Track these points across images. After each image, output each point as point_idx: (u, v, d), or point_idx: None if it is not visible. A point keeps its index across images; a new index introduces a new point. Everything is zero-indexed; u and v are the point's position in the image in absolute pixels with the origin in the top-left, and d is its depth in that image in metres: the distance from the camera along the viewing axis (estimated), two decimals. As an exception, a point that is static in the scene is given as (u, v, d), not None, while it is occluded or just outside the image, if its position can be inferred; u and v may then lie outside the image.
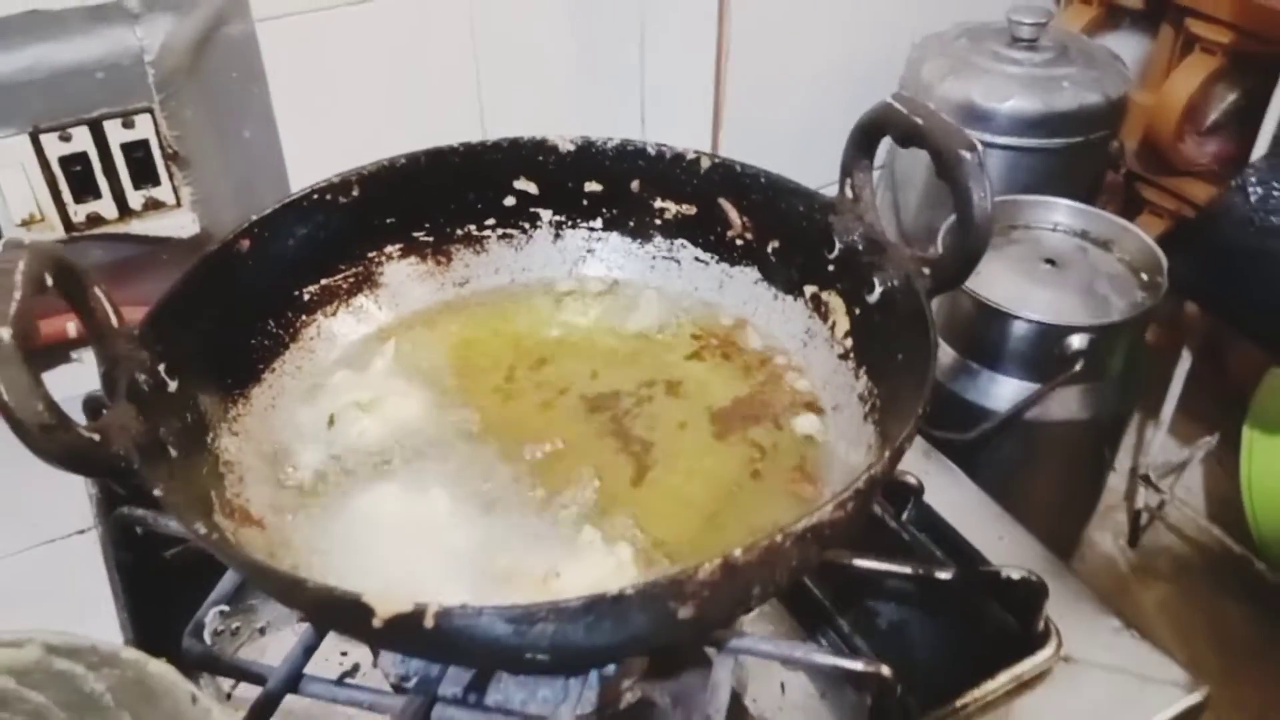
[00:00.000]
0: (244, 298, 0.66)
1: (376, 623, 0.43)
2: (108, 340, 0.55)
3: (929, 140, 0.60)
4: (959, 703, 0.61)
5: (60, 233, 0.93)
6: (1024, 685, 0.64)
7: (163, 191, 0.95)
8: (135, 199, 0.94)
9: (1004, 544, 0.72)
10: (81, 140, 0.90)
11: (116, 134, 0.91)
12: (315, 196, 0.70)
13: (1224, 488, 1.38)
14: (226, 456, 0.61)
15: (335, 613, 0.46)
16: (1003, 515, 0.75)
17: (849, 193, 0.68)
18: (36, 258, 0.50)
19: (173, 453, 0.53)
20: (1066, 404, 1.04)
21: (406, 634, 0.44)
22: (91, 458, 0.48)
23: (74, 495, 0.73)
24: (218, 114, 0.97)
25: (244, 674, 0.58)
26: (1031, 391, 1.01)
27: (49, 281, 0.52)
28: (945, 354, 1.09)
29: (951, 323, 1.08)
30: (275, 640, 0.76)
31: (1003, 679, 0.63)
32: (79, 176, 0.91)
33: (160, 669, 0.49)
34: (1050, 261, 1.09)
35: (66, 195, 0.92)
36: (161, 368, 0.56)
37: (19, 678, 0.51)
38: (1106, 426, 1.09)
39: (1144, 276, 1.06)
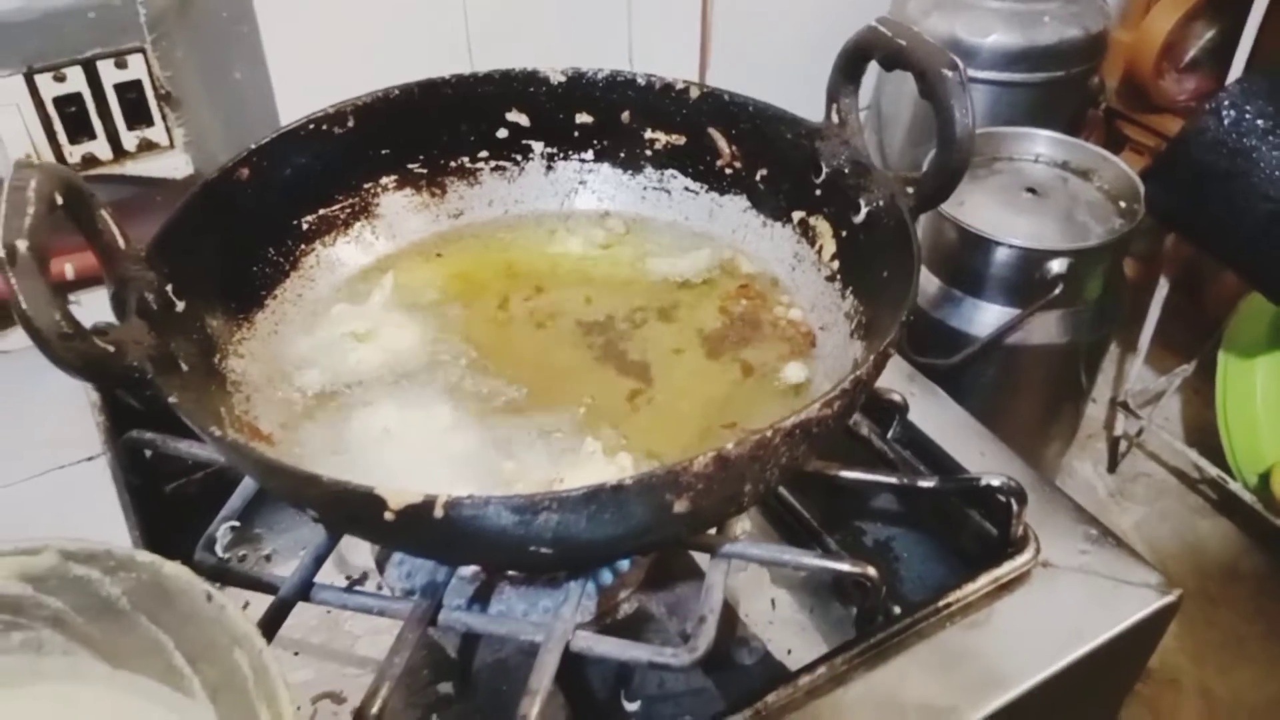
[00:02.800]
0: (245, 225, 0.67)
1: (389, 515, 0.45)
2: (116, 261, 0.57)
3: (912, 61, 0.61)
4: (941, 603, 0.64)
5: (56, 173, 0.93)
6: (1003, 588, 0.66)
7: (156, 132, 0.96)
8: (129, 140, 0.95)
9: (986, 459, 0.75)
10: (75, 81, 0.91)
11: (110, 74, 0.92)
12: (311, 126, 0.71)
13: (1200, 415, 1.42)
14: (234, 376, 0.62)
15: (349, 508, 0.48)
16: (984, 433, 0.78)
17: (835, 117, 0.70)
18: (48, 177, 0.52)
19: (184, 367, 0.55)
20: (1046, 329, 1.07)
21: (417, 526, 0.46)
22: (108, 367, 0.50)
23: (81, 422, 0.75)
24: (209, 54, 0.98)
25: (256, 583, 0.60)
26: (1012, 317, 1.03)
27: (59, 200, 0.53)
28: (930, 282, 1.11)
29: (936, 251, 1.11)
30: (282, 567, 0.79)
31: (982, 581, 0.66)
32: (74, 117, 0.92)
33: (176, 570, 0.51)
34: (1031, 190, 1.11)
35: (62, 136, 0.93)
36: (169, 288, 0.58)
37: (36, 584, 0.54)
38: (1084, 351, 1.12)
39: (1122, 204, 1.09)
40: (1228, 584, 1.30)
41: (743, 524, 0.86)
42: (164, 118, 0.96)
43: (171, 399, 0.50)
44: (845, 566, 0.62)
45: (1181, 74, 1.34)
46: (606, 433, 0.63)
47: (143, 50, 0.92)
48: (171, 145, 0.97)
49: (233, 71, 1.00)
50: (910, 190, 0.64)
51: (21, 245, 0.47)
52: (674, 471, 0.47)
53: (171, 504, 0.71)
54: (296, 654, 0.74)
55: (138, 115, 0.95)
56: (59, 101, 0.91)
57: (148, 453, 0.70)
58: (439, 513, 0.45)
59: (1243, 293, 1.30)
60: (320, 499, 0.49)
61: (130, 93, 0.94)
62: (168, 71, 0.95)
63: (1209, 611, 1.26)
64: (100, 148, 0.94)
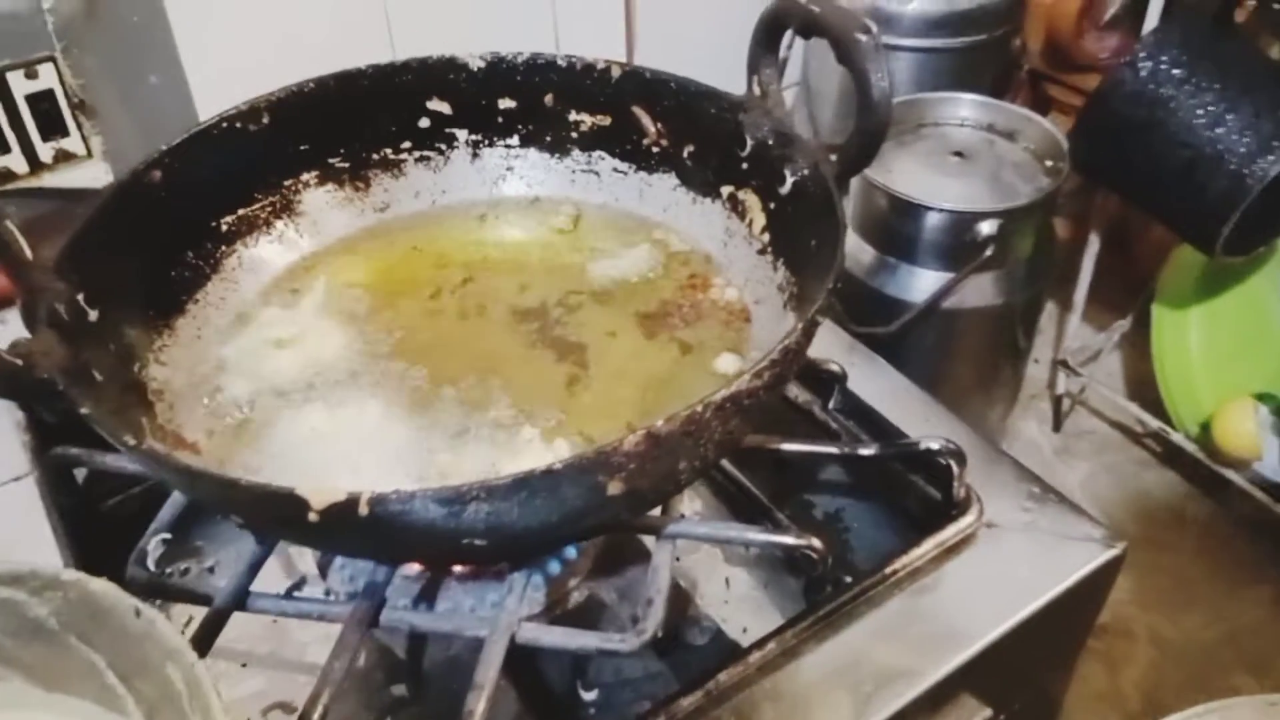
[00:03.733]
0: (160, 229, 0.66)
1: (312, 516, 0.44)
2: (23, 272, 0.55)
3: (827, 27, 0.61)
4: (888, 570, 0.64)
5: (-31, 190, 0.91)
6: (950, 551, 0.66)
7: (72, 142, 0.94)
8: (45, 151, 0.93)
9: (929, 424, 0.75)
10: (-16, 95, 0.88)
11: (20, 85, 0.89)
12: (224, 125, 0.69)
13: (1139, 369, 1.44)
14: (156, 385, 0.61)
15: (272, 511, 0.46)
16: (926, 399, 0.78)
17: (756, 89, 0.69)
18: (-60, 190, 0.50)
19: (98, 377, 0.54)
20: (981, 291, 1.07)
21: (343, 525, 0.45)
22: (18, 381, 0.48)
23: (6, 441, 0.72)
24: (122, 60, 0.95)
25: (190, 596, 0.59)
26: (946, 281, 1.04)
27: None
28: (864, 252, 1.11)
29: (869, 220, 1.11)
30: (226, 578, 0.77)
31: (928, 545, 0.66)
32: (-16, 132, 0.90)
33: (102, 586, 0.50)
34: (958, 154, 1.11)
35: (-28, 151, 0.90)
36: (80, 297, 0.56)
37: (-43, 611, 0.52)
38: (1019, 311, 1.13)
39: (1048, 163, 1.10)
40: (1172, 531, 1.32)
41: (693, 504, 0.86)
42: (79, 127, 0.93)
43: (84, 409, 0.48)
44: (789, 540, 0.62)
45: (1102, 32, 1.35)
46: (544, 419, 0.63)
47: (53, 59, 0.90)
48: (89, 154, 0.95)
49: (148, 76, 0.97)
50: (833, 157, 0.63)
51: (-83, 260, 0.46)
52: (604, 452, 0.46)
53: (107, 522, 0.69)
54: (244, 665, 0.73)
55: (52, 126, 0.92)
56: (-32, 117, 0.88)
57: (78, 471, 0.68)
58: (364, 510, 0.44)
59: (1172, 245, 1.32)
60: (243, 504, 0.47)
61: (43, 103, 0.91)
62: (80, 80, 0.92)
63: (1156, 558, 1.27)
64: (15, 161, 0.92)
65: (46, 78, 0.90)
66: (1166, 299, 1.38)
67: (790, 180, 0.67)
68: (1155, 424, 1.36)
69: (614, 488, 0.48)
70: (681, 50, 1.11)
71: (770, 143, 0.68)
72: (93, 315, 0.57)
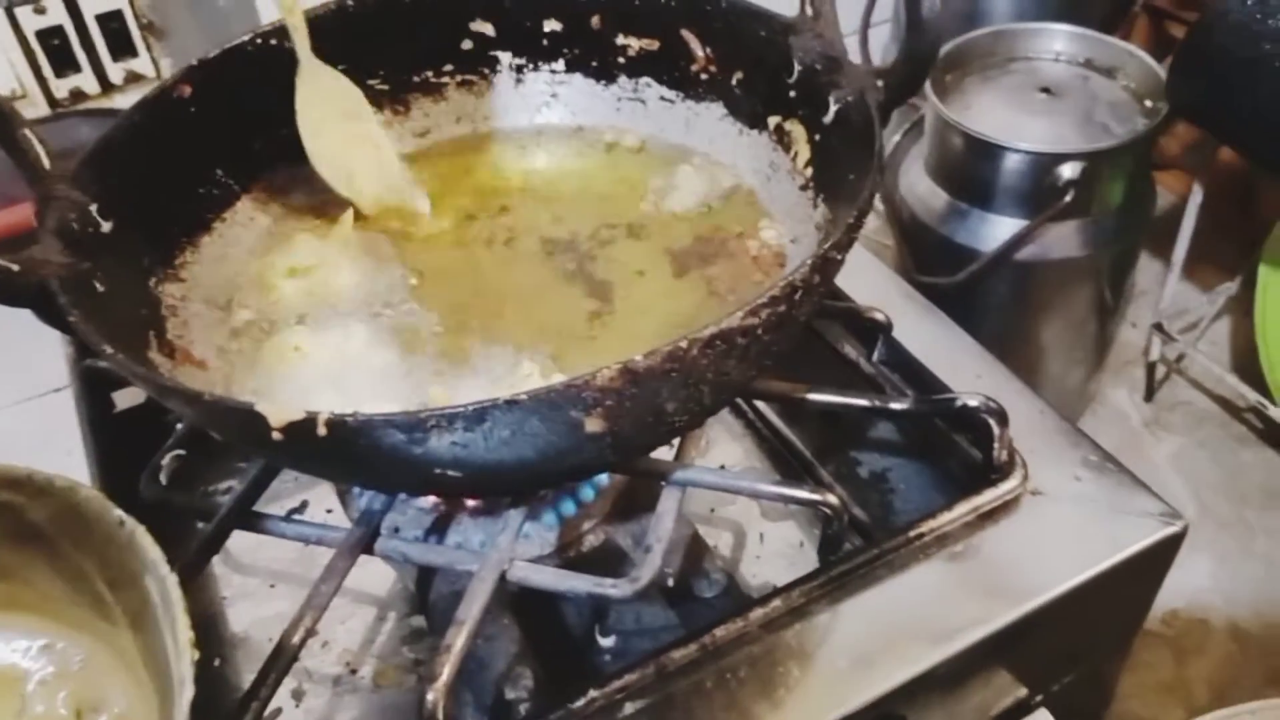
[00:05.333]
0: (189, 145, 0.65)
1: (274, 435, 0.43)
2: (40, 181, 0.55)
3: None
4: (912, 532, 0.60)
5: (44, 109, 0.93)
6: (986, 517, 0.62)
7: (141, 63, 0.95)
8: (115, 72, 0.94)
9: (982, 381, 0.69)
10: (56, 12, 0.90)
11: (90, 3, 0.90)
12: (259, 42, 0.68)
13: (1245, 337, 1.31)
14: (170, 301, 0.61)
15: (237, 427, 0.46)
16: (984, 354, 0.72)
17: (809, 9, 0.64)
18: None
19: (99, 288, 0.53)
20: (1064, 241, 0.99)
21: (304, 445, 0.43)
22: (11, 284, 0.48)
23: (51, 354, 0.74)
24: (191, -20, 0.96)
25: (195, 511, 0.59)
26: (1021, 229, 0.96)
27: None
28: (936, 196, 1.04)
29: (942, 162, 1.03)
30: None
31: (961, 509, 0.61)
32: (57, 51, 0.91)
33: (89, 494, 0.50)
34: (1046, 90, 1.02)
35: (47, 70, 0.92)
36: (94, 209, 0.56)
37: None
38: (1107, 266, 1.04)
39: (1148, 104, 1.00)
40: (1267, 513, 1.21)
41: (728, 453, 0.83)
42: (149, 48, 0.94)
43: (70, 318, 0.48)
44: (804, 494, 0.58)
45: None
46: (552, 355, 0.60)
47: (122, -23, 0.91)
48: (158, 76, 0.96)
49: (217, -2, 0.98)
50: (880, 83, 0.58)
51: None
52: (574, 386, 0.43)
53: (132, 436, 0.70)
54: (273, 586, 0.74)
55: (122, 46, 0.94)
56: (42, 35, 0.90)
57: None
58: (322, 430, 0.43)
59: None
60: (211, 419, 0.47)
61: (113, 23, 0.92)
62: (150, 0, 0.93)
63: (1248, 544, 1.17)
64: (87, 81, 0.94)
65: (117, -3, 0.91)
66: (1273, 260, 1.24)
67: (834, 108, 0.62)
68: (1254, 397, 1.24)
69: (592, 425, 0.46)
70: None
71: (818, 68, 0.63)
72: (105, 227, 0.57)
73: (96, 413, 0.69)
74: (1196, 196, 1.19)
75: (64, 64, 0.92)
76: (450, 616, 0.67)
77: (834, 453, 0.79)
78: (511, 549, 0.56)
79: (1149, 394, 1.35)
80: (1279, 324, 1.18)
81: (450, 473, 0.46)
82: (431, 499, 0.65)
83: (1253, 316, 1.22)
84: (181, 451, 0.63)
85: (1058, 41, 1.08)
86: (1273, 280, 1.20)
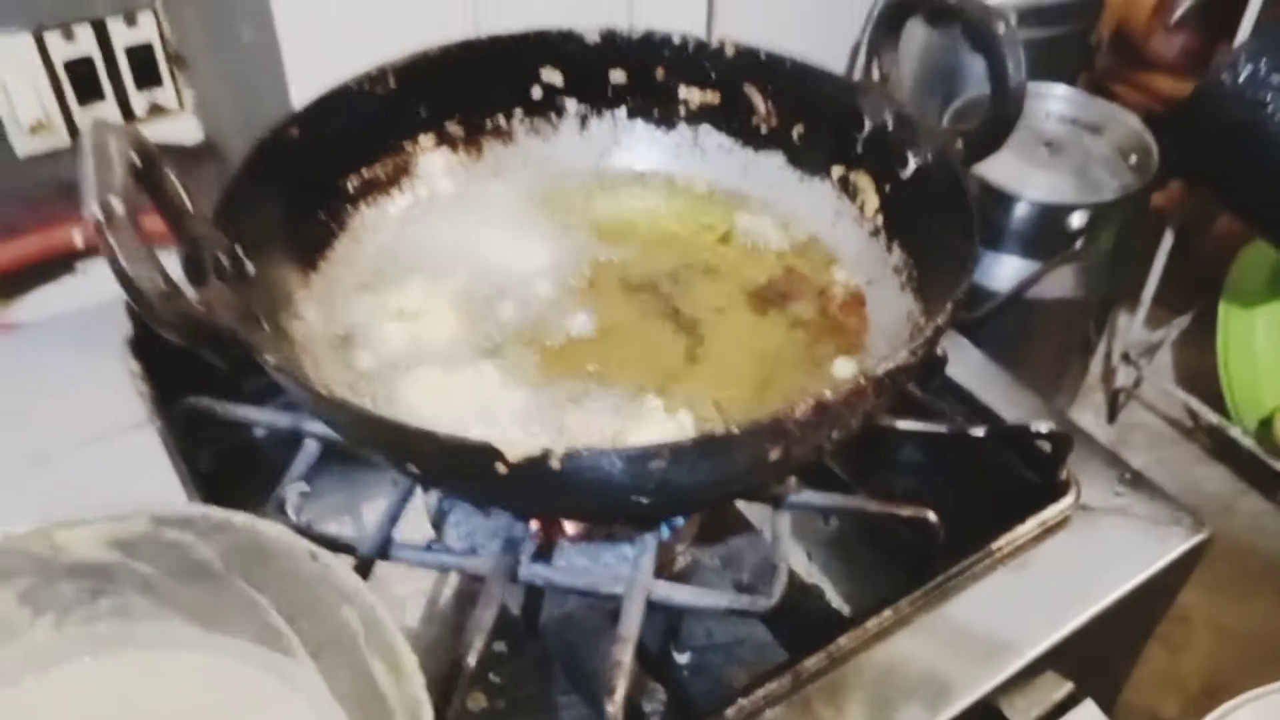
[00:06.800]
0: (296, 186, 0.67)
1: (502, 468, 0.46)
2: (185, 222, 0.56)
3: (963, 16, 0.63)
4: (993, 545, 0.67)
5: (65, 139, 0.91)
6: (1048, 531, 0.69)
7: (165, 94, 0.95)
8: (139, 102, 0.93)
9: (1020, 410, 0.77)
10: (85, 42, 0.89)
11: (120, 33, 0.90)
12: (355, 87, 0.70)
13: (1195, 365, 1.46)
14: (299, 339, 0.62)
15: (460, 461, 0.48)
16: (1014, 383, 0.80)
17: (875, 73, 0.71)
18: (124, 137, 0.52)
19: (266, 327, 0.55)
20: (1062, 282, 1.10)
21: (531, 477, 0.47)
22: (204, 327, 0.49)
23: (124, 391, 0.73)
24: (217, 14, 0.96)
25: (333, 544, 0.61)
26: (1031, 270, 1.06)
27: (136, 162, 0.52)
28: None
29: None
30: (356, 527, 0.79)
31: (1030, 525, 0.68)
32: (83, 80, 0.90)
33: (276, 530, 0.52)
34: (1049, 145, 1.14)
35: (71, 99, 0.90)
36: (238, 249, 0.58)
37: (126, 550, 0.53)
38: (1096, 304, 1.16)
39: (1133, 159, 1.12)
40: (1222, 515, 1.35)
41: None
42: (174, 79, 0.94)
43: (268, 357, 0.50)
44: (906, 512, 0.64)
45: (1170, 33, 1.37)
46: (657, 389, 0.64)
47: (153, 8, 0.90)
48: (181, 107, 0.95)
49: (241, 32, 0.98)
50: (960, 143, 0.65)
51: (116, 203, 0.47)
52: (778, 419, 0.48)
53: (232, 462, 0.71)
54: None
55: (147, 77, 0.93)
56: (70, 66, 0.89)
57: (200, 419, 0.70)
58: (555, 464, 0.46)
59: (1237, 244, 1.34)
60: (432, 454, 0.49)
61: (140, 53, 0.91)
62: (177, 32, 0.92)
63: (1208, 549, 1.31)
64: (109, 110, 0.92)
65: (146, 27, 0.91)
66: (1235, 294, 1.41)
67: (913, 164, 0.68)
68: (1214, 418, 1.40)
69: (774, 454, 0.50)
70: (761, 20, 1.11)
71: (890, 126, 0.70)
72: (250, 267, 0.58)
73: (193, 449, 0.69)
74: (1166, 241, 1.34)
75: (88, 93, 0.90)
76: (565, 634, 0.71)
77: (869, 473, 0.85)
78: (650, 570, 0.60)
79: (1111, 416, 1.50)
80: (1240, 355, 1.33)
81: (644, 499, 0.50)
82: (535, 525, 0.68)
83: (1198, 346, 1.38)
84: (305, 486, 0.64)
85: (1050, 100, 1.19)
86: (1234, 315, 1.35)
